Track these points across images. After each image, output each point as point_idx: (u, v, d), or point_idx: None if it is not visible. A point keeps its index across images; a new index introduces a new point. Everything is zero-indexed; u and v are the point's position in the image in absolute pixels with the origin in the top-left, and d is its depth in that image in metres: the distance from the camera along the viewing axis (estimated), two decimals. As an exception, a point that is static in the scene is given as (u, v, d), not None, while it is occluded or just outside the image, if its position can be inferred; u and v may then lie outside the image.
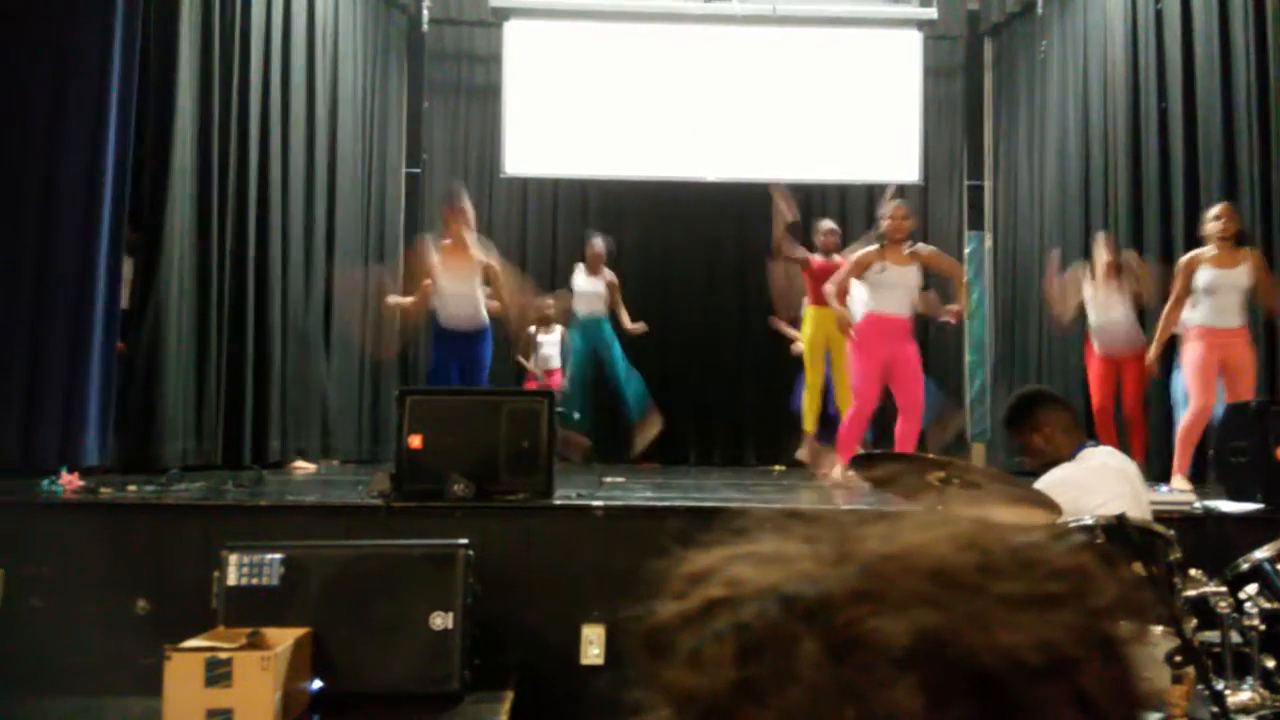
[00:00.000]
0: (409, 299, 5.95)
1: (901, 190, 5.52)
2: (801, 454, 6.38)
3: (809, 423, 6.42)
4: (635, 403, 6.54)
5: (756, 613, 0.47)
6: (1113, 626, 0.47)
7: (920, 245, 5.40)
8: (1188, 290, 5.05)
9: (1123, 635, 0.47)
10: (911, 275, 5.26)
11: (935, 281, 6.43)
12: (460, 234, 5.42)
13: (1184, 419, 5.06)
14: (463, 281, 5.39)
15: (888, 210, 5.41)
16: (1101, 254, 5.88)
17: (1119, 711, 0.45)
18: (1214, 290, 4.96)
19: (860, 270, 5.33)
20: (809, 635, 0.45)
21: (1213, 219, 5.02)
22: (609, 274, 6.83)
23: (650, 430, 6.32)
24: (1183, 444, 5.01)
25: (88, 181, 4.82)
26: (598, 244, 6.80)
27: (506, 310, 5.61)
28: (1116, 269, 5.82)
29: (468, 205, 5.57)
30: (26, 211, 4.75)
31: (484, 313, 5.46)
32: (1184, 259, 5.13)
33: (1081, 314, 5.94)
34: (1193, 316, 5.04)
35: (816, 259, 6.46)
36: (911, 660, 0.43)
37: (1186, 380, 5.09)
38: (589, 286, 6.61)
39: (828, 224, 6.58)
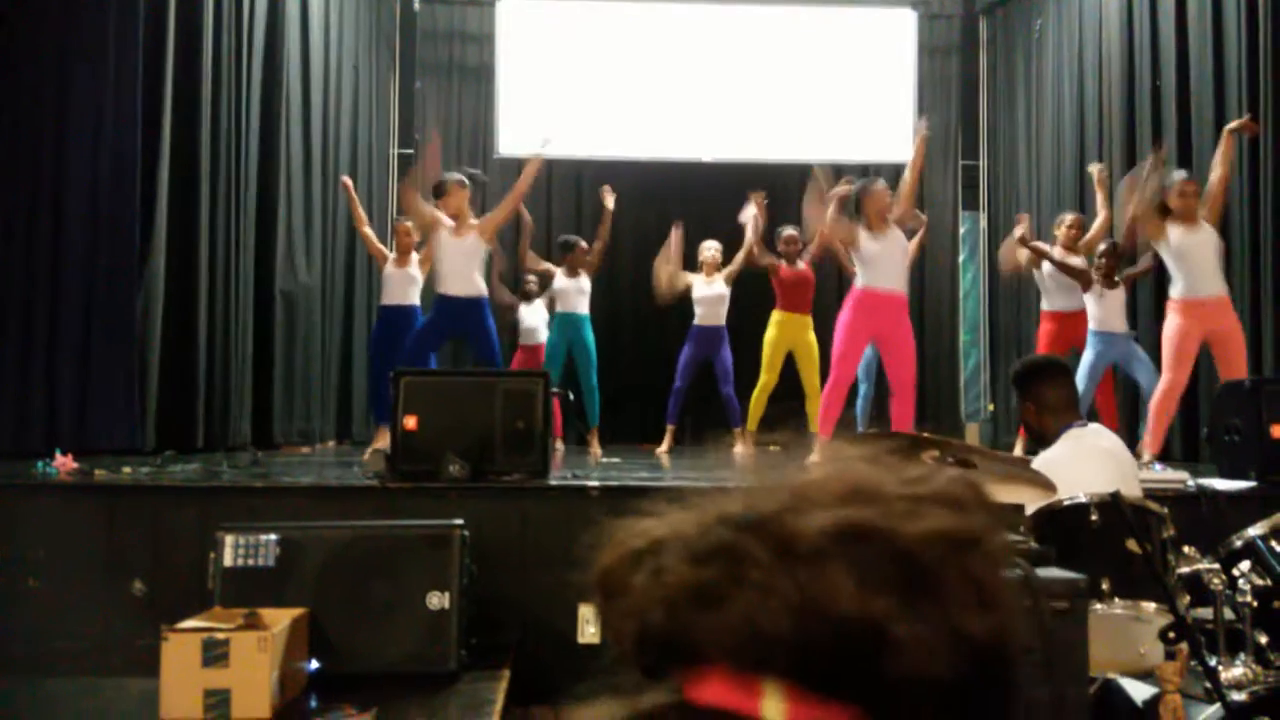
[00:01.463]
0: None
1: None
2: (738, 450, 6.41)
3: (752, 422, 6.42)
4: (593, 411, 6.57)
5: (703, 534, 0.54)
6: (992, 533, 0.55)
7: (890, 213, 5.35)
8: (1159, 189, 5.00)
9: (999, 545, 0.55)
10: (897, 241, 5.22)
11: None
12: (462, 208, 5.42)
13: (1155, 395, 4.99)
14: (463, 250, 5.40)
15: (875, 192, 5.34)
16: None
17: (1000, 600, 0.53)
18: (1185, 254, 4.89)
19: (844, 238, 5.31)
20: (752, 543, 0.52)
21: (1178, 194, 4.94)
22: (586, 276, 6.76)
23: (596, 445, 6.36)
24: (1155, 421, 4.94)
25: (92, 177, 4.89)
26: (583, 246, 6.74)
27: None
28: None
29: (456, 182, 5.56)
30: (41, 199, 4.79)
31: (482, 283, 5.45)
32: (1156, 220, 5.00)
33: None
34: (1172, 290, 4.99)
35: (783, 266, 6.46)
36: (839, 545, 0.51)
37: (1163, 352, 5.03)
38: (570, 285, 6.57)
39: (789, 231, 6.58)
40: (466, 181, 5.53)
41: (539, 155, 5.72)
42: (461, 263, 5.35)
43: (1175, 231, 4.91)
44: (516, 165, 9.05)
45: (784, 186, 9.29)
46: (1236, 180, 5.68)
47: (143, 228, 5.21)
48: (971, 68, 9.43)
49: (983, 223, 9.30)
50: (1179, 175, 5.07)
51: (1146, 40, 6.72)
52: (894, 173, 9.23)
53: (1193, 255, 4.88)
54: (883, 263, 5.13)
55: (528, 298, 7.27)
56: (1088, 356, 5.56)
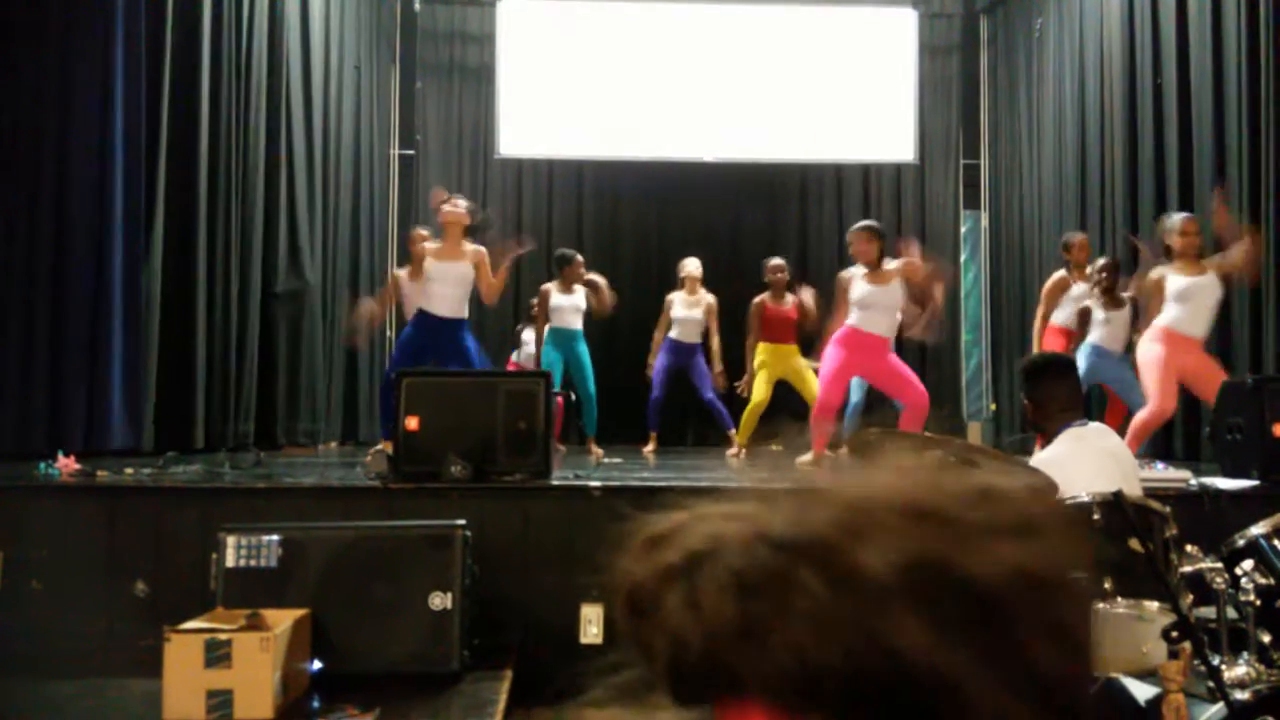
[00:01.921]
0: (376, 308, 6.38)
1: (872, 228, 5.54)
2: (731, 452, 6.46)
3: (743, 436, 6.48)
4: (590, 421, 6.61)
5: (747, 556, 0.47)
6: (1072, 566, 0.48)
7: (893, 262, 5.37)
8: (1160, 301, 4.94)
9: (1082, 582, 0.49)
10: (892, 294, 5.26)
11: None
12: (455, 230, 5.42)
13: (1141, 418, 4.93)
14: (451, 271, 5.40)
15: (851, 238, 5.38)
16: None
17: (1082, 642, 0.48)
18: (1188, 297, 4.84)
19: (843, 294, 5.36)
20: (805, 571, 0.46)
21: (1179, 234, 4.89)
22: (582, 291, 6.75)
23: (597, 452, 6.40)
24: (1134, 438, 4.93)
25: (98, 174, 4.89)
26: (579, 261, 6.73)
27: (490, 293, 5.61)
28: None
29: (461, 204, 5.55)
30: (43, 198, 4.80)
31: (465, 309, 5.46)
32: (1153, 276, 4.96)
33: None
34: (1161, 319, 4.94)
35: (767, 302, 6.49)
36: (906, 581, 0.45)
37: (1146, 380, 4.96)
38: (565, 301, 6.58)
39: (776, 260, 6.60)
40: (470, 211, 5.52)
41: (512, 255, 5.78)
42: (450, 287, 5.37)
43: (1177, 276, 4.88)
44: (517, 165, 9.08)
45: (784, 186, 9.32)
46: (1237, 178, 5.68)
47: (144, 229, 5.22)
48: (972, 67, 9.43)
49: (984, 222, 9.29)
50: (1179, 217, 5.03)
51: (1148, 38, 6.72)
52: (894, 172, 9.26)
53: (1194, 299, 4.84)
54: (877, 311, 5.21)
55: (533, 320, 7.24)
56: (1080, 367, 5.50)
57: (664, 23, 8.96)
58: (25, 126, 4.79)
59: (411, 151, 9.09)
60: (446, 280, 5.34)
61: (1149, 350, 4.92)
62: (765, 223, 9.13)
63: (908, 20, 9.05)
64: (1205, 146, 6.01)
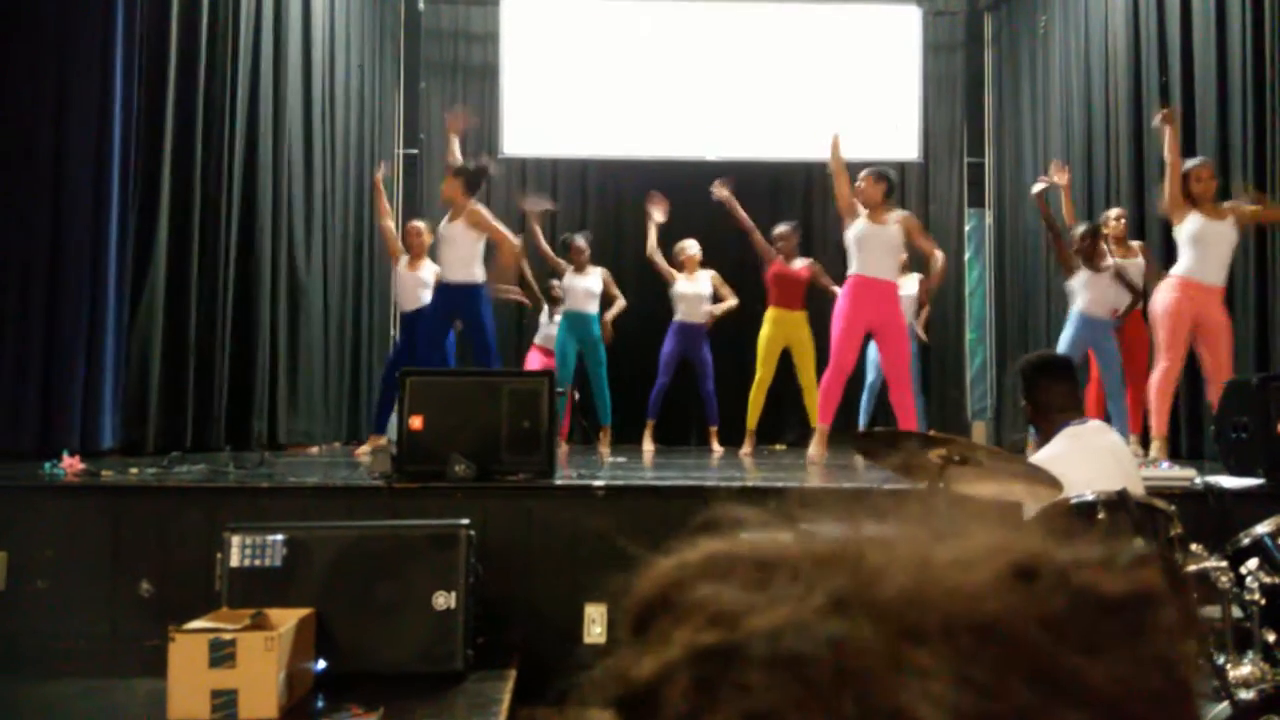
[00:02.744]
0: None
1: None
2: (745, 450, 6.43)
3: (751, 419, 6.46)
4: (604, 410, 6.65)
5: (764, 675, 0.35)
6: (1182, 653, 0.39)
7: (904, 213, 5.45)
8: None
9: (1189, 662, 0.39)
10: (891, 235, 5.31)
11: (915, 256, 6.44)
12: (458, 196, 5.45)
13: (1154, 380, 4.96)
14: (450, 232, 5.44)
15: (859, 180, 5.44)
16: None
17: None
18: (1201, 240, 4.87)
19: (844, 200, 5.37)
20: (834, 705, 0.34)
21: (1194, 179, 4.95)
22: (597, 270, 6.82)
23: (607, 444, 6.43)
24: (1158, 403, 4.93)
25: (95, 173, 4.89)
26: (579, 242, 6.80)
27: (506, 266, 5.66)
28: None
29: (455, 172, 5.59)
30: (39, 197, 4.80)
31: (478, 271, 5.48)
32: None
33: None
34: (1175, 267, 4.97)
35: (778, 262, 6.46)
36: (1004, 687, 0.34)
37: (1158, 332, 4.99)
38: (578, 284, 6.62)
39: (784, 227, 6.58)
40: (468, 169, 5.56)
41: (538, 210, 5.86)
42: (454, 249, 5.40)
43: (1195, 217, 4.90)
44: (521, 164, 9.08)
45: (788, 185, 9.30)
46: (1242, 177, 5.65)
47: (144, 228, 5.23)
48: (976, 64, 9.41)
49: (988, 220, 9.28)
50: (1193, 162, 5.08)
51: (1152, 36, 6.69)
52: (898, 170, 9.22)
53: (1208, 242, 4.86)
54: (878, 252, 5.26)
55: (555, 302, 7.27)
56: (1065, 335, 5.58)
57: (667, 21, 8.96)
58: (21, 124, 4.77)
59: (415, 151, 9.10)
60: (452, 243, 5.41)
61: (1163, 300, 4.94)
62: (769, 221, 9.09)
63: (911, 18, 9.04)
64: (1209, 146, 5.98)
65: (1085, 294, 5.58)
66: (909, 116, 8.91)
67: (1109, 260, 5.66)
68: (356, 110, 8.10)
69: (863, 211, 5.34)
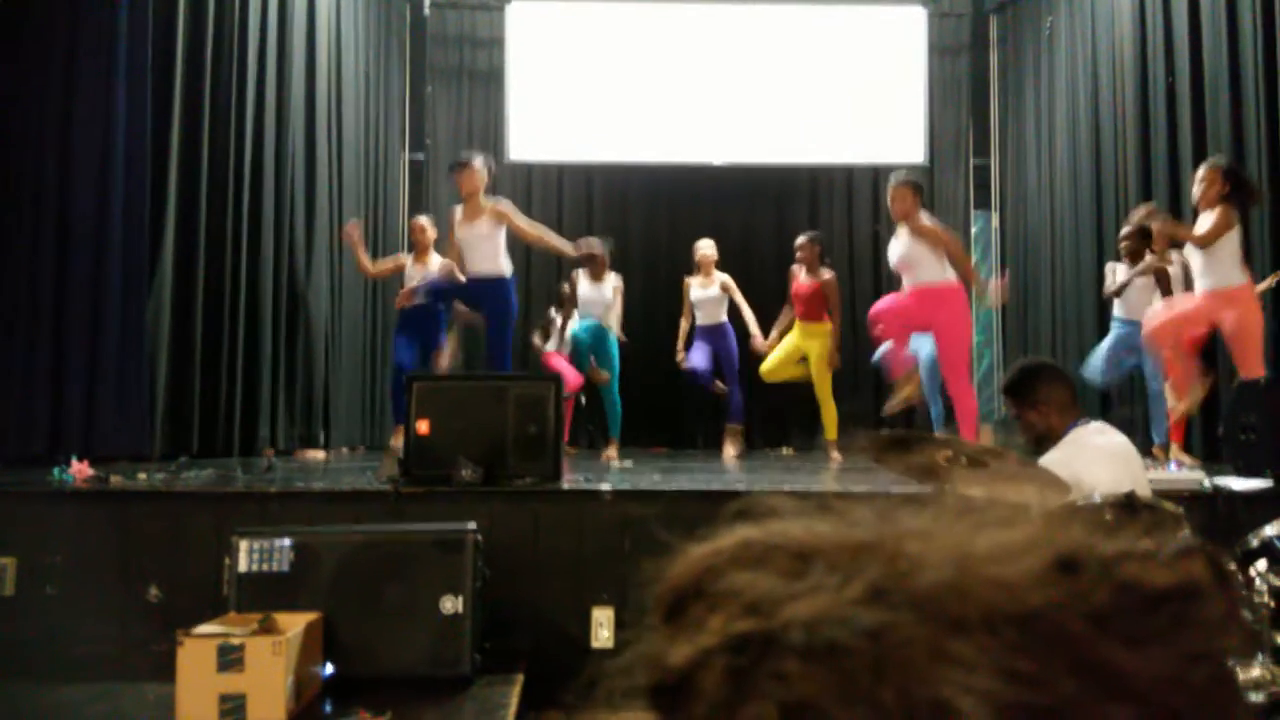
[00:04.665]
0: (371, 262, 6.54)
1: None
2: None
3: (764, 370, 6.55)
4: (614, 421, 6.60)
5: (801, 665, 0.34)
6: (1227, 646, 0.38)
7: (927, 219, 5.44)
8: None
9: (1232, 657, 0.38)
10: (904, 243, 5.31)
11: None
12: (472, 191, 5.46)
13: (1177, 407, 4.99)
14: (479, 230, 5.43)
15: (893, 194, 5.42)
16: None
17: None
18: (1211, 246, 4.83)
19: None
20: (873, 695, 0.33)
21: (1197, 181, 4.92)
22: (614, 279, 6.75)
23: (615, 454, 6.37)
24: (1177, 405, 4.97)
25: (101, 181, 4.91)
26: (599, 250, 6.71)
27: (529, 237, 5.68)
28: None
29: (477, 163, 5.59)
30: (46, 204, 4.83)
31: (503, 263, 5.47)
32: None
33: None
34: (1199, 284, 4.90)
35: (797, 279, 6.40)
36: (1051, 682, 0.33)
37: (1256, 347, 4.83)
38: (593, 293, 6.57)
39: (801, 238, 6.51)
40: (481, 163, 5.57)
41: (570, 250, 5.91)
42: (475, 245, 5.39)
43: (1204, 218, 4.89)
44: (527, 169, 9.09)
45: (793, 188, 9.31)
46: (1255, 173, 5.61)
47: (151, 233, 5.25)
48: (982, 66, 9.40)
49: (995, 222, 9.26)
50: (1204, 167, 5.02)
51: (1160, 37, 6.67)
52: (904, 173, 9.22)
53: (1219, 247, 4.77)
54: (914, 268, 5.27)
55: (563, 306, 7.26)
56: (1107, 340, 5.56)
57: (672, 25, 8.97)
58: (28, 129, 4.80)
59: (422, 156, 9.11)
60: (472, 245, 5.41)
61: (1254, 316, 4.81)
62: (775, 225, 9.12)
63: (917, 20, 9.03)
64: (1221, 147, 5.95)
65: (1123, 298, 5.58)
66: (914, 119, 8.91)
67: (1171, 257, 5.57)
68: (363, 115, 8.12)
69: (904, 232, 5.30)
